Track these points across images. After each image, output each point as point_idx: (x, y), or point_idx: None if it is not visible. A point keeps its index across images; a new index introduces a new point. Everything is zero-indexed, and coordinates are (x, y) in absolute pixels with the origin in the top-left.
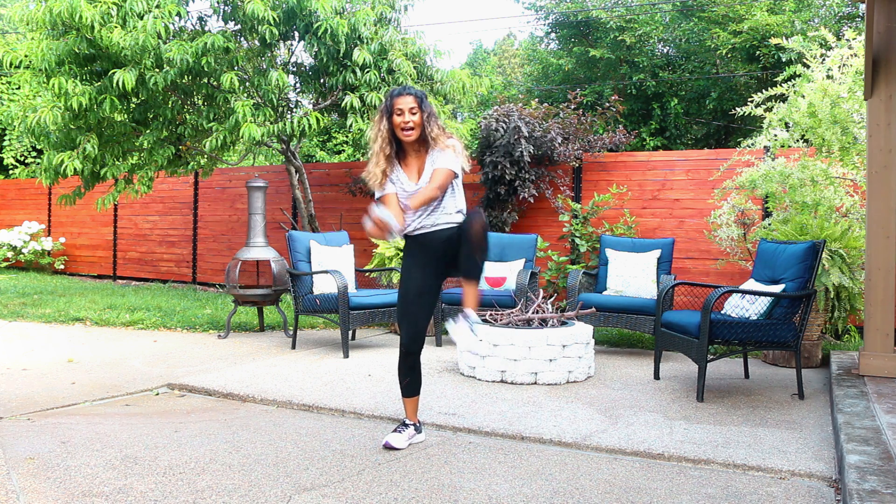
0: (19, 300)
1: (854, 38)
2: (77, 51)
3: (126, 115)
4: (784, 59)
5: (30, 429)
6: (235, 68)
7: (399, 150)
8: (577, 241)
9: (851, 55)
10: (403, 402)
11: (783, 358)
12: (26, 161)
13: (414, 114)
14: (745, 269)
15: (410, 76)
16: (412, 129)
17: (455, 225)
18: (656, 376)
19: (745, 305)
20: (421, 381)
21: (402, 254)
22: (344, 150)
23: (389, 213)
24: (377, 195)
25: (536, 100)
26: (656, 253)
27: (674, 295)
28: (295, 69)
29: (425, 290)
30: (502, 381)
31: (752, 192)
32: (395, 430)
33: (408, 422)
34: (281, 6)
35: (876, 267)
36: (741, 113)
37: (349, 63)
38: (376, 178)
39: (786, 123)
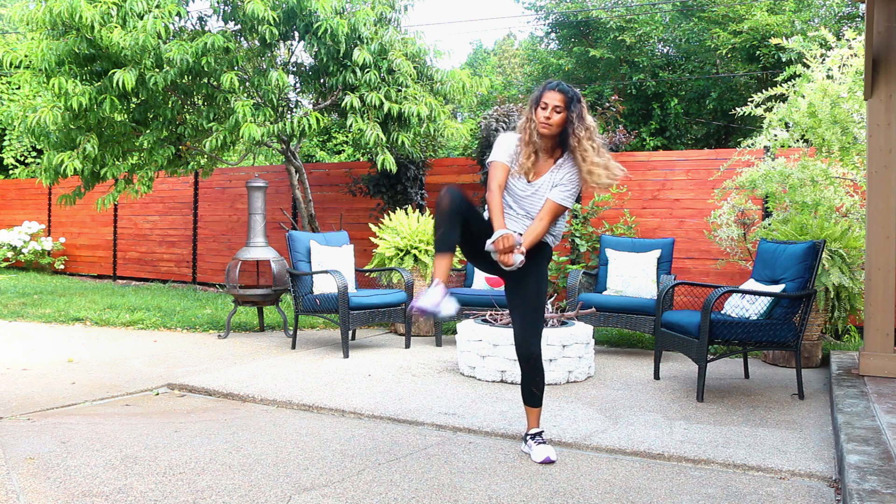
0: (19, 300)
1: (854, 38)
2: (77, 51)
3: (126, 115)
4: (784, 59)
5: (30, 429)
6: (235, 68)
7: (535, 144)
8: (577, 241)
9: (851, 55)
10: (434, 262)
11: (783, 358)
12: (26, 161)
13: (558, 112)
14: (745, 269)
15: (410, 76)
16: (549, 125)
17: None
18: (656, 376)
19: (745, 305)
20: (457, 238)
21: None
22: (344, 150)
23: (507, 230)
24: (493, 158)
25: None
26: (656, 253)
27: (674, 295)
28: (295, 69)
29: (479, 232)
30: (502, 381)
31: (752, 192)
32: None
33: (436, 280)
34: (281, 6)
35: (876, 267)
36: (741, 113)
37: (349, 63)
38: (509, 149)
39: (786, 123)
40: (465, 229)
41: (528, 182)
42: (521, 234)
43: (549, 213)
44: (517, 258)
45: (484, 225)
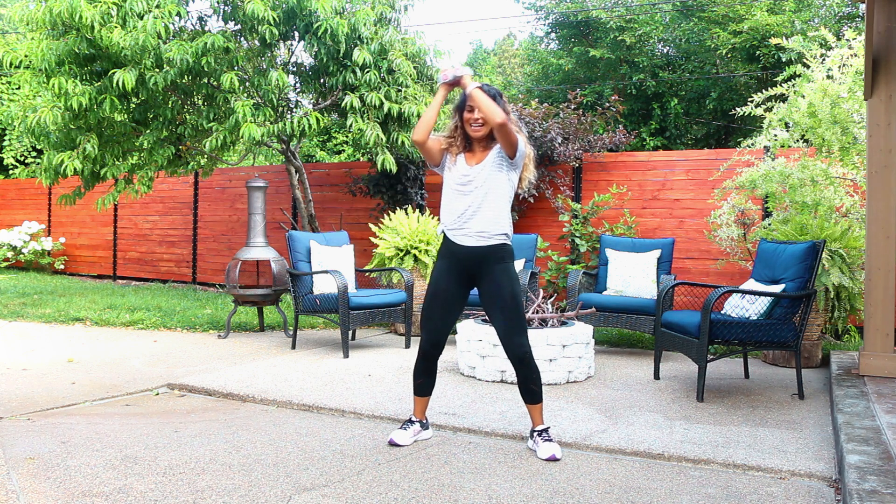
0: (19, 300)
1: (854, 38)
2: (77, 51)
3: (126, 115)
4: (784, 59)
5: (30, 429)
6: (235, 68)
7: (467, 144)
8: (577, 241)
9: (851, 55)
10: (414, 400)
11: (783, 358)
12: (26, 161)
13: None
14: (745, 269)
15: (410, 76)
16: (482, 125)
17: (493, 244)
18: (656, 376)
19: (745, 305)
20: (434, 383)
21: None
22: (344, 150)
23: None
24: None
25: (536, 100)
26: (656, 253)
27: (674, 295)
28: (295, 69)
29: (451, 297)
30: (502, 381)
31: (752, 192)
32: (400, 427)
33: (414, 419)
34: (281, 6)
35: (876, 267)
36: (741, 113)
37: (349, 63)
38: (434, 143)
39: (786, 123)
40: (450, 323)
41: (473, 167)
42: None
43: (510, 128)
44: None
45: (455, 307)
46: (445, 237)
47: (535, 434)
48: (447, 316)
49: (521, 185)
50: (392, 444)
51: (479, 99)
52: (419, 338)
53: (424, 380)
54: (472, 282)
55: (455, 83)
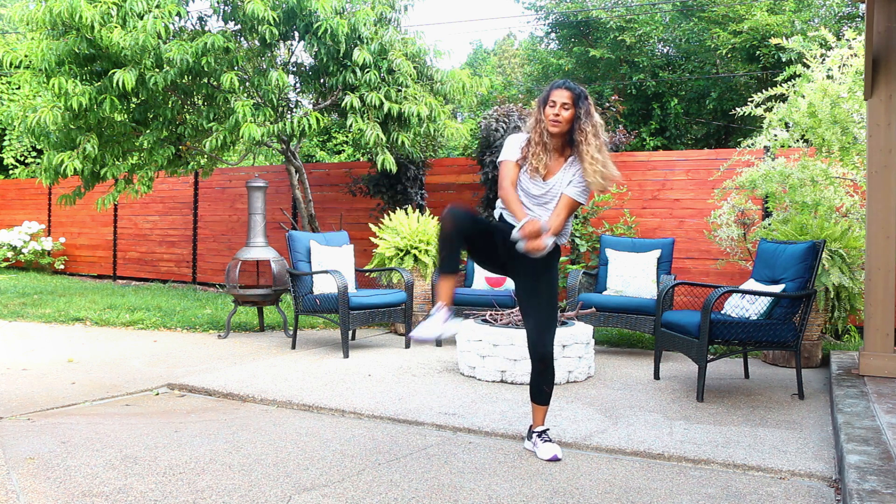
0: (19, 300)
1: (854, 38)
2: (77, 51)
3: (126, 115)
4: (784, 59)
5: (30, 429)
6: (235, 68)
7: (545, 143)
8: (577, 241)
9: (851, 55)
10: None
11: (783, 358)
12: (26, 161)
13: (566, 109)
14: (745, 269)
15: (410, 76)
16: (560, 122)
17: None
18: (656, 376)
19: (745, 305)
20: (458, 264)
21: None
22: (344, 150)
23: (528, 217)
24: (504, 158)
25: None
26: (656, 253)
27: (674, 295)
28: (295, 69)
29: (490, 239)
30: (502, 381)
31: (752, 192)
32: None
33: (439, 304)
34: (281, 6)
35: (876, 267)
36: (741, 113)
37: (349, 63)
38: (519, 149)
39: (786, 123)
40: (471, 243)
41: (543, 181)
42: (545, 220)
43: (566, 207)
44: (547, 241)
45: (493, 230)
46: (502, 218)
47: (535, 435)
48: (479, 236)
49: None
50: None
51: (558, 223)
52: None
53: (447, 254)
54: (511, 261)
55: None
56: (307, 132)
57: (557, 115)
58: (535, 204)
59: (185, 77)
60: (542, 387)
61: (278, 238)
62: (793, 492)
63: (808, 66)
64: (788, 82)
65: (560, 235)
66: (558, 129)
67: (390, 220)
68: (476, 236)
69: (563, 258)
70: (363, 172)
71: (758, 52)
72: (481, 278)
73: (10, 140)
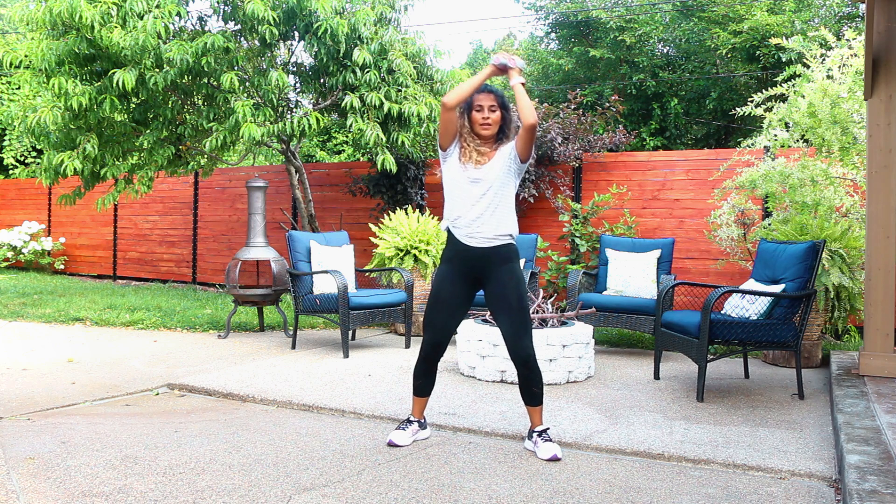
0: (19, 300)
1: (854, 38)
2: (77, 51)
3: (126, 115)
4: (784, 59)
5: (30, 429)
6: (235, 68)
7: (475, 146)
8: (577, 241)
9: (851, 55)
10: (413, 399)
11: (783, 358)
12: (26, 161)
13: (493, 111)
14: (745, 269)
15: (410, 76)
16: (490, 124)
17: (500, 245)
18: (656, 376)
19: (745, 305)
20: (434, 383)
21: (427, 253)
22: (344, 150)
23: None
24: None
25: (536, 100)
26: (656, 253)
27: (674, 295)
28: (295, 69)
29: (456, 301)
30: (502, 381)
31: (752, 192)
32: (398, 427)
33: (412, 418)
34: (281, 6)
35: (876, 267)
36: (741, 113)
37: (349, 63)
38: (446, 140)
39: (786, 123)
40: (452, 318)
41: (478, 167)
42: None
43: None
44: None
45: (444, 285)
46: (450, 235)
47: (535, 434)
48: (450, 320)
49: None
50: (391, 444)
51: (519, 95)
52: (420, 338)
53: (424, 381)
54: (477, 283)
55: (503, 70)
56: (307, 132)
57: (487, 118)
58: (471, 188)
59: (185, 77)
60: (531, 389)
61: (278, 238)
62: (793, 492)
63: (808, 66)
64: (788, 82)
65: (509, 235)
66: (490, 131)
67: (390, 220)
68: (451, 325)
69: (563, 258)
70: (363, 172)
71: (758, 52)
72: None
73: (10, 140)
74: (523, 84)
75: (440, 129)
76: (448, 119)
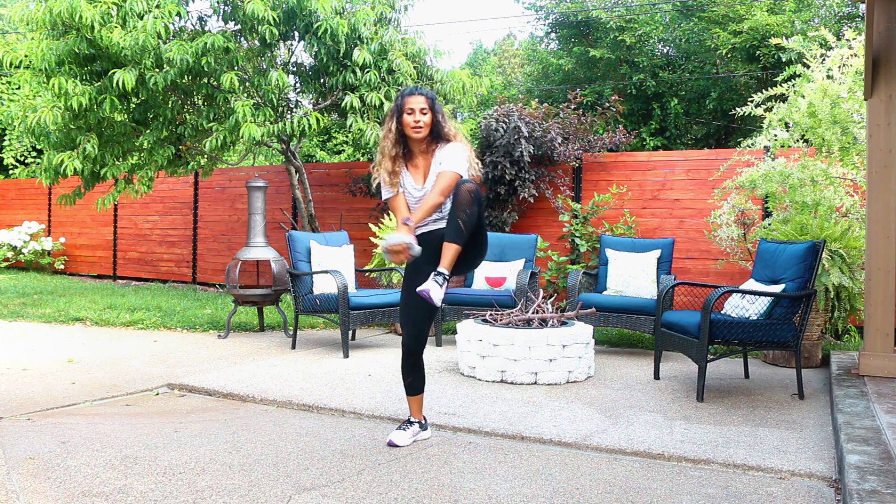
0: (19, 300)
1: (854, 38)
2: (77, 51)
3: (126, 115)
4: (784, 59)
5: (30, 429)
6: (235, 68)
7: (407, 152)
8: (577, 241)
9: (851, 55)
10: (408, 400)
11: (783, 358)
12: (26, 161)
13: (424, 113)
14: (745, 269)
15: (410, 76)
16: (422, 127)
17: (438, 228)
18: (656, 376)
19: (745, 305)
20: (424, 380)
21: None
22: (344, 150)
23: (402, 235)
24: (384, 196)
25: (536, 100)
26: (656, 253)
27: (674, 295)
28: (295, 69)
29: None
30: (502, 381)
31: (752, 192)
32: (398, 428)
33: (412, 419)
34: (281, 6)
35: (876, 267)
36: (741, 113)
37: (349, 63)
38: (384, 180)
39: (786, 123)
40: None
41: (422, 186)
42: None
43: (444, 180)
44: (414, 250)
45: (412, 277)
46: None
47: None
48: (422, 315)
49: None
50: (391, 444)
51: (420, 214)
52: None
53: (413, 377)
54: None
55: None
56: (307, 132)
57: (418, 120)
58: (417, 202)
59: (185, 77)
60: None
61: (278, 238)
62: (793, 492)
63: (808, 66)
64: (788, 82)
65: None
66: (422, 133)
67: (390, 220)
68: (420, 318)
69: (563, 258)
70: (363, 172)
71: (758, 52)
72: (481, 278)
73: (10, 140)
74: (411, 229)
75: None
76: (396, 204)
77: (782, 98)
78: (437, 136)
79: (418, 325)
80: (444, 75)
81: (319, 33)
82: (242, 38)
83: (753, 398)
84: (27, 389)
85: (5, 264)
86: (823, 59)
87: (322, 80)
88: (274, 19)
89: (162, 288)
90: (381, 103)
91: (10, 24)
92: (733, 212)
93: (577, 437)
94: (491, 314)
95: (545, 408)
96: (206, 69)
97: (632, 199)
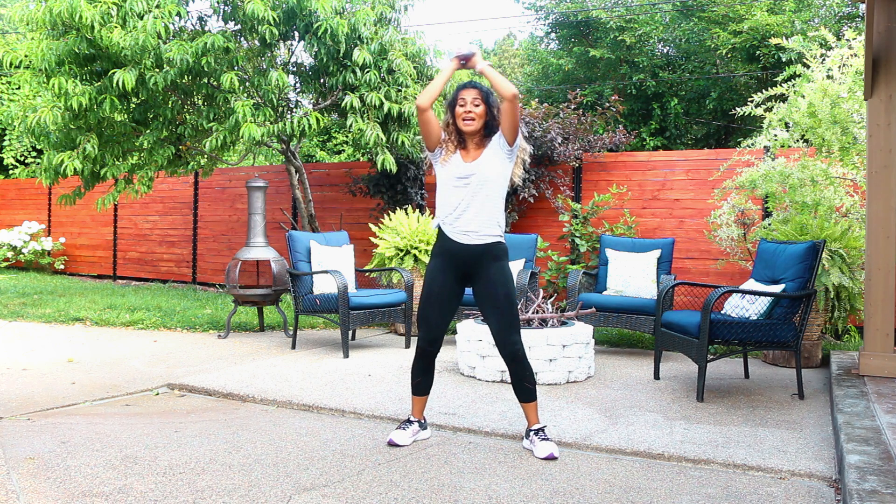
0: (19, 300)
1: (854, 38)
2: (77, 51)
3: (126, 115)
4: (784, 59)
5: (30, 429)
6: (235, 68)
7: (461, 142)
8: (577, 241)
9: (851, 55)
10: (412, 399)
11: (783, 358)
12: (26, 161)
13: (476, 105)
14: (745, 269)
15: (410, 76)
16: (473, 119)
17: (488, 242)
18: (656, 376)
19: (745, 305)
20: (432, 382)
21: (422, 251)
22: (344, 150)
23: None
24: (429, 151)
25: (536, 100)
26: (656, 253)
27: (674, 295)
28: (295, 69)
29: (447, 296)
30: (502, 381)
31: (752, 192)
32: (398, 427)
33: (412, 419)
34: (281, 6)
35: (876, 267)
36: (741, 113)
37: (349, 63)
38: (433, 142)
39: (786, 123)
40: (444, 316)
41: (468, 163)
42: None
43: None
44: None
45: (435, 282)
46: (441, 232)
47: (532, 433)
48: (444, 314)
49: (512, 181)
50: (391, 444)
51: (490, 74)
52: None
53: (422, 378)
54: (466, 280)
55: (465, 61)
56: (307, 132)
57: (469, 111)
58: (460, 185)
59: (185, 77)
60: (522, 384)
61: (278, 238)
62: (793, 492)
63: (808, 66)
64: (788, 82)
65: (499, 226)
66: (473, 126)
67: (390, 220)
68: (444, 319)
69: (563, 258)
70: (363, 172)
71: (758, 52)
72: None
73: (10, 140)
74: (490, 66)
75: (422, 132)
76: (426, 120)
77: (782, 98)
78: (491, 130)
79: (437, 327)
80: None
81: (319, 33)
82: (242, 38)
83: (753, 398)
84: (27, 389)
85: (5, 264)
86: (823, 59)
87: (322, 80)
88: (274, 19)
89: (162, 288)
90: (381, 103)
91: (10, 24)
92: (733, 212)
93: (577, 437)
94: None
95: (545, 408)
96: (206, 69)
97: (632, 199)
